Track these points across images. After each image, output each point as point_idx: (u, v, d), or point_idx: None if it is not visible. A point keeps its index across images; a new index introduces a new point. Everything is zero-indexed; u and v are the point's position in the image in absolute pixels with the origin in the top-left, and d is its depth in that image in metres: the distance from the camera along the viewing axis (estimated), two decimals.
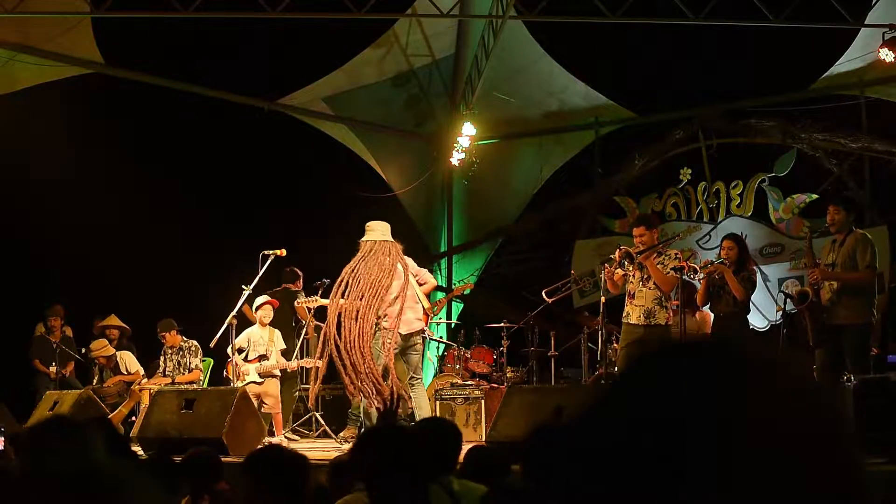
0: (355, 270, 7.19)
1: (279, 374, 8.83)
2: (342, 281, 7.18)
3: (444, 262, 13.04)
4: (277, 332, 8.99)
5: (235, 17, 10.14)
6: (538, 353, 9.84)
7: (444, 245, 13.10)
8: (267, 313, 9.00)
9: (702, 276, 7.80)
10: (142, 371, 9.85)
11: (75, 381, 10.48)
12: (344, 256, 7.55)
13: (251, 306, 9.06)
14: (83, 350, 10.56)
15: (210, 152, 11.17)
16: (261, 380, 8.69)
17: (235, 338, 8.39)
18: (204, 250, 10.85)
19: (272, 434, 8.49)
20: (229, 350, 8.65)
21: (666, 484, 0.81)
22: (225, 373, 9.08)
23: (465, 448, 3.91)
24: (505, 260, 12.57)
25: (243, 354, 8.88)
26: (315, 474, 5.70)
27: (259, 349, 8.83)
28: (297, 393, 9.82)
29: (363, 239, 7.46)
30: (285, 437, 8.46)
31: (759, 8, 9.30)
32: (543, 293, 8.28)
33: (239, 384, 8.64)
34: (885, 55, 9.42)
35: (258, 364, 8.77)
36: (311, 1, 9.98)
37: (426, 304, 7.74)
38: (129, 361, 9.89)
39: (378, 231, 7.49)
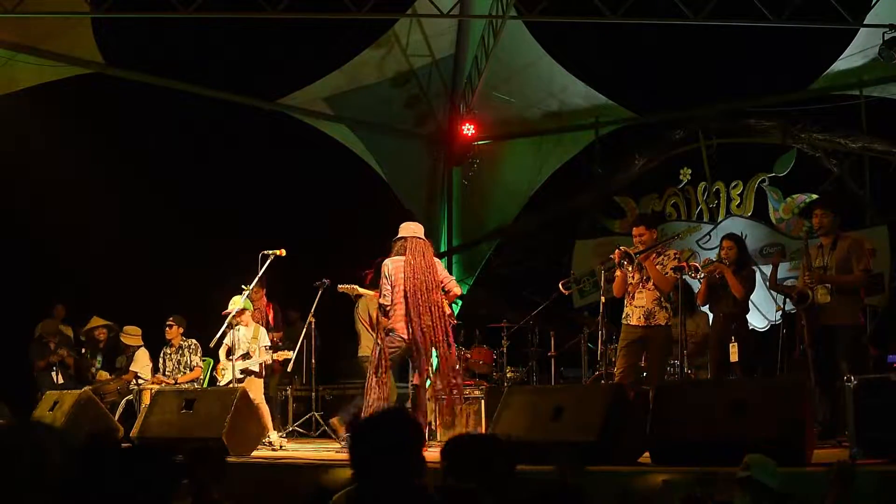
0: (413, 267, 7.25)
1: (258, 370, 8.77)
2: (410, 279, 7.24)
3: (443, 262, 13.03)
4: (262, 330, 8.98)
5: (235, 16, 10.14)
6: (538, 353, 9.84)
7: (444, 245, 13.09)
8: (244, 315, 8.96)
9: (702, 275, 7.79)
10: (141, 373, 9.82)
11: (75, 381, 10.47)
12: (343, 256, 7.56)
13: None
14: (83, 350, 10.56)
15: (210, 152, 11.17)
16: (241, 376, 8.67)
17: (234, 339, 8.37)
18: (204, 250, 10.84)
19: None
20: (221, 353, 8.73)
21: None
22: (213, 373, 9.14)
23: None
24: (505, 260, 12.56)
25: (228, 352, 8.92)
26: (315, 474, 5.72)
27: (243, 347, 8.82)
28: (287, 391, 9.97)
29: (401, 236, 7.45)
30: (278, 437, 8.39)
31: (759, 8, 9.30)
32: (560, 285, 8.30)
33: (221, 383, 8.68)
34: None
35: (240, 361, 8.74)
36: (311, 1, 9.98)
37: (447, 311, 7.66)
38: (140, 361, 9.84)
39: (411, 228, 7.50)
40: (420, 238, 7.42)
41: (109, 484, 2.73)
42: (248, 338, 8.82)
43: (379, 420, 2.94)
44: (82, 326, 10.61)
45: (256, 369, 8.70)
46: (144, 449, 3.32)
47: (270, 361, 8.95)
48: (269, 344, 8.97)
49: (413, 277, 7.18)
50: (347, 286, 8.39)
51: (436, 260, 7.52)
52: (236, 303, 8.84)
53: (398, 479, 2.78)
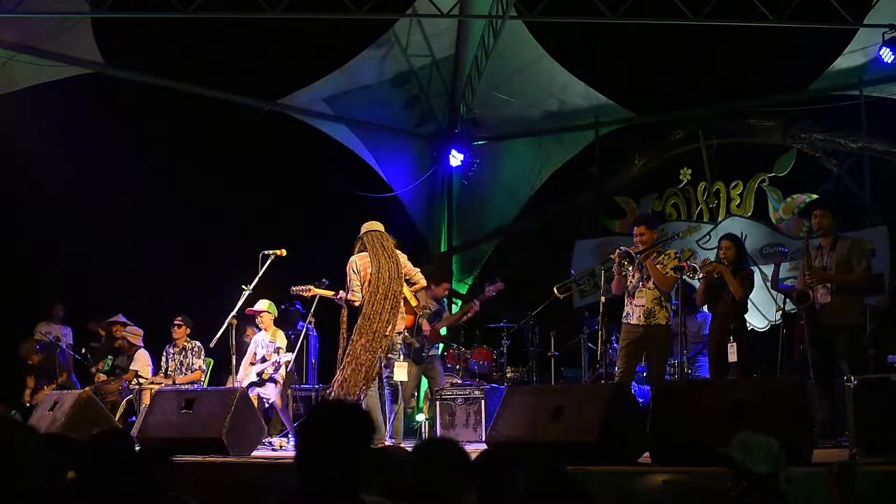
0: (378, 258, 7.38)
1: (273, 374, 8.73)
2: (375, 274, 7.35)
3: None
4: (281, 333, 8.92)
5: (235, 17, 10.14)
6: (538, 353, 9.84)
7: (444, 245, 13.09)
8: (264, 318, 8.94)
9: (701, 275, 7.80)
10: (142, 372, 9.81)
11: (72, 383, 10.46)
12: (343, 256, 7.56)
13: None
14: (83, 350, 10.54)
15: (210, 152, 11.16)
16: (256, 379, 8.68)
17: (234, 339, 8.33)
18: (204, 250, 10.84)
19: (287, 435, 8.52)
20: (245, 359, 8.71)
21: None
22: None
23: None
24: (505, 260, 12.56)
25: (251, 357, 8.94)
26: None
27: (261, 352, 8.82)
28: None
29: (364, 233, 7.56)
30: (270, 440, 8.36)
31: (760, 8, 9.30)
32: (555, 289, 8.28)
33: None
34: (885, 55, 9.46)
35: (258, 365, 8.75)
36: (311, 1, 9.98)
37: (413, 303, 7.74)
38: (140, 360, 9.82)
39: (367, 225, 7.63)
40: (376, 231, 7.51)
41: (113, 484, 2.70)
42: (267, 341, 8.81)
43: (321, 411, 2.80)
44: (96, 321, 10.58)
45: (272, 371, 8.65)
46: (148, 452, 3.25)
47: (283, 365, 8.87)
48: (291, 355, 8.96)
49: (378, 268, 7.27)
50: (301, 287, 8.16)
51: (398, 252, 7.55)
52: (262, 304, 8.84)
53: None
